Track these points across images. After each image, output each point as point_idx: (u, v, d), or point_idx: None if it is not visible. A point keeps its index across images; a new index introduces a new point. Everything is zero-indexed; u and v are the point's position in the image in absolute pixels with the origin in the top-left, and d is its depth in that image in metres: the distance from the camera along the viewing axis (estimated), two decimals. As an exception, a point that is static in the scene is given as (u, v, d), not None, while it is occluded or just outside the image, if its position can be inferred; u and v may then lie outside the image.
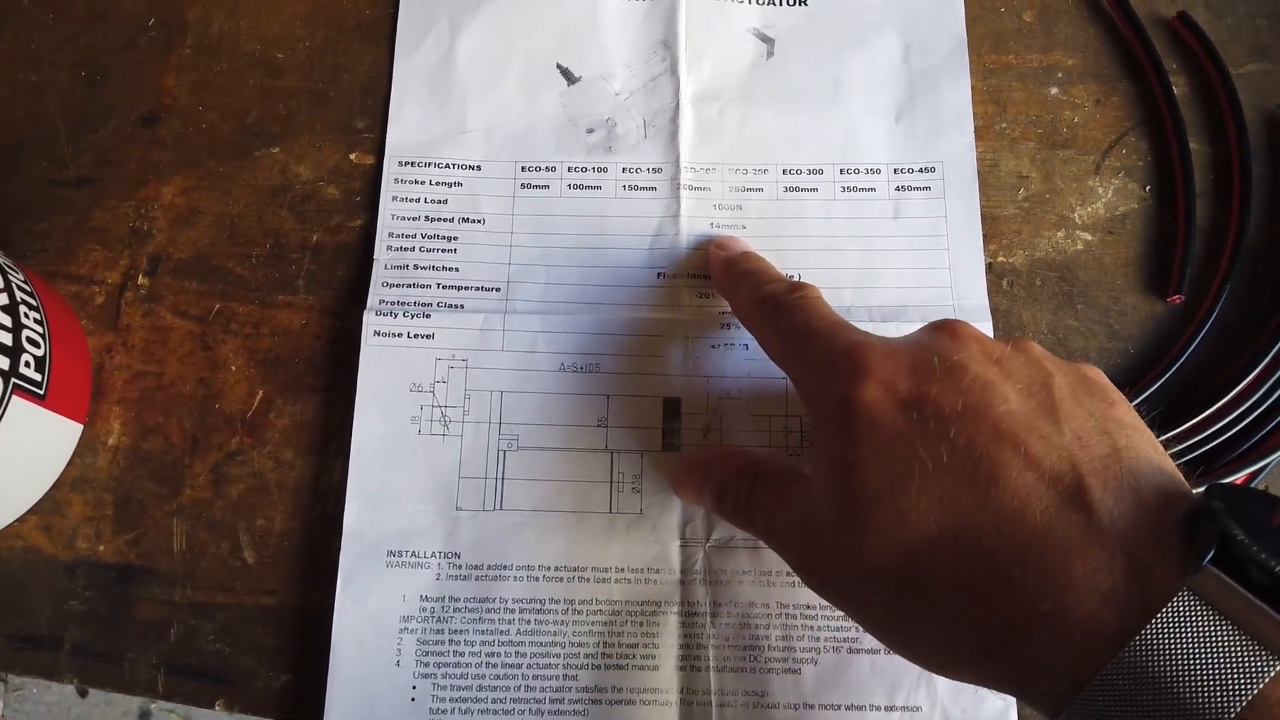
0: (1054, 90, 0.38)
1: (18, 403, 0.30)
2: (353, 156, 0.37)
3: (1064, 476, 0.21)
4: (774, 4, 0.38)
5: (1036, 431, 0.22)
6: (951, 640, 0.23)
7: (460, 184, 0.36)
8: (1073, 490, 0.21)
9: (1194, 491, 0.22)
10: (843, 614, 0.31)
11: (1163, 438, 0.33)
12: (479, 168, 0.36)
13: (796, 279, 0.32)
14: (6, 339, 0.29)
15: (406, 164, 0.36)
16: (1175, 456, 0.33)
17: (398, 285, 0.35)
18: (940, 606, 0.22)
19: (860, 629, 0.31)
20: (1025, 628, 0.21)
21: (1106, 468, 0.22)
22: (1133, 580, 0.20)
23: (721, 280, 0.33)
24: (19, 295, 0.31)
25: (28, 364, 0.31)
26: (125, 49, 0.38)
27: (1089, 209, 0.36)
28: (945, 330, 0.26)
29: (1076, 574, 0.20)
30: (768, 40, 0.38)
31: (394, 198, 0.36)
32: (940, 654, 0.24)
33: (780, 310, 0.29)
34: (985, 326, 0.34)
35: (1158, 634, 0.19)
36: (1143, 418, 0.24)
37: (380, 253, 0.35)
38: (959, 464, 0.22)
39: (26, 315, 0.31)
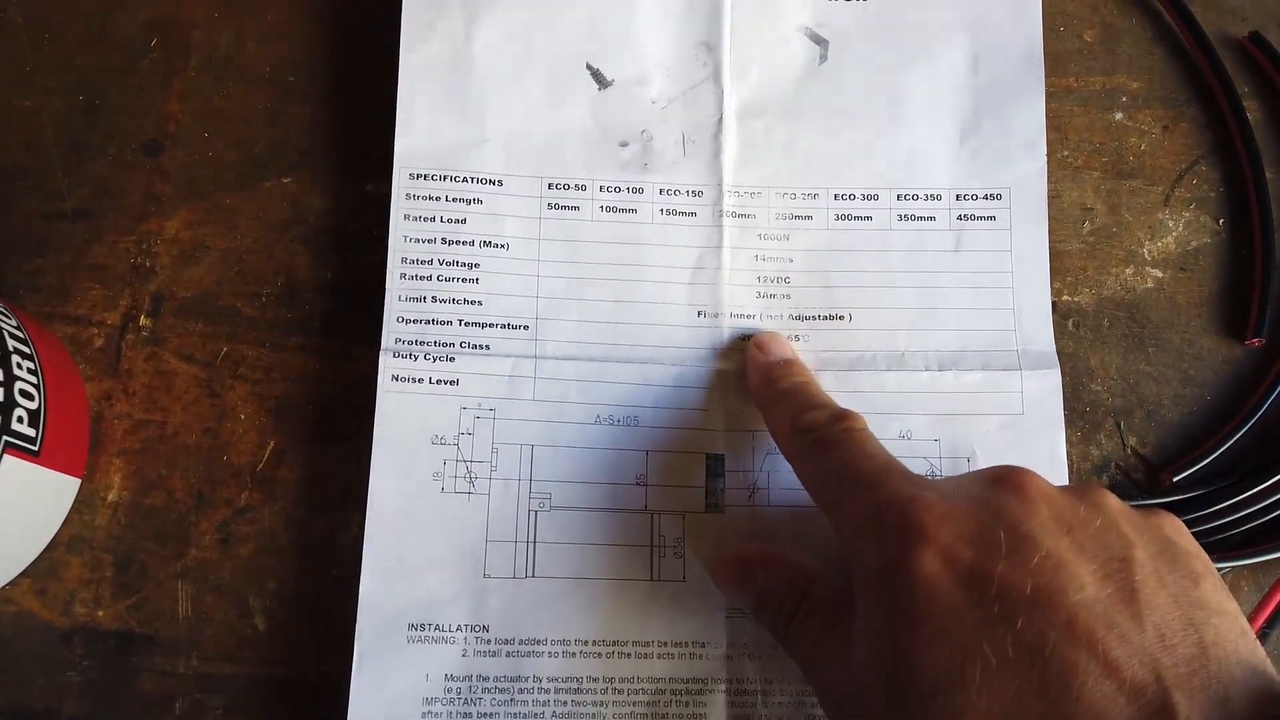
0: (1118, 115, 0.35)
1: (10, 461, 0.27)
2: (369, 187, 0.34)
3: (1146, 689, 0.19)
4: None
5: (1116, 630, 0.20)
6: None
7: (480, 201, 0.33)
8: (1157, 707, 0.19)
9: None
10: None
11: (1242, 496, 0.31)
12: (500, 183, 0.33)
13: (842, 408, 0.28)
14: (-3, 395, 0.27)
15: (419, 177, 0.33)
16: (1258, 516, 0.31)
17: (415, 320, 0.32)
18: None
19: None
20: None
21: (1193, 673, 0.19)
22: None
23: (759, 392, 0.31)
24: (10, 344, 0.28)
25: (20, 419, 0.28)
26: (125, 72, 0.35)
27: (1159, 244, 0.34)
28: (1011, 487, 0.23)
29: None
30: (821, 41, 0.35)
31: (406, 216, 0.32)
32: None
33: (822, 446, 0.27)
34: (1054, 374, 0.31)
35: None
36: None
37: (393, 281, 0.32)
38: (1026, 662, 0.20)
39: (19, 366, 0.28)
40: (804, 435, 0.27)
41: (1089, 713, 0.19)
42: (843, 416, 0.27)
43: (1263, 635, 0.30)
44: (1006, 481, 0.23)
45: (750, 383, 0.31)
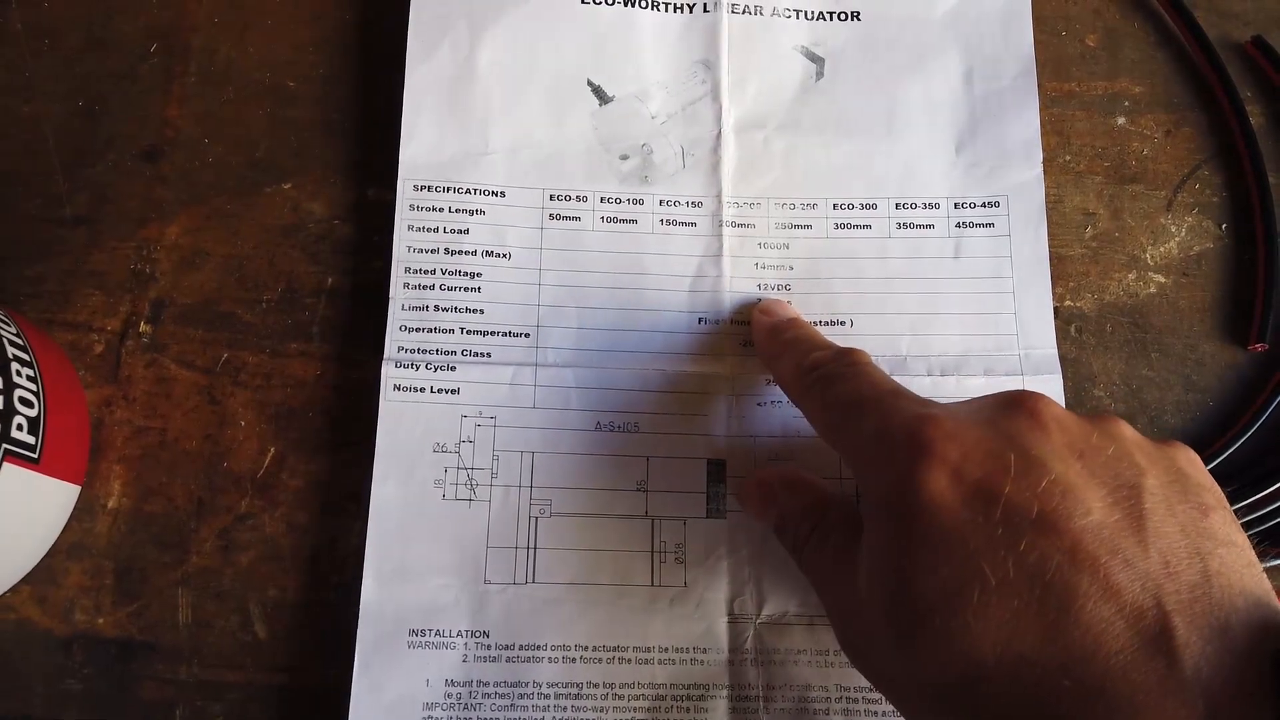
0: (1121, 120, 0.35)
1: (9, 469, 0.27)
2: (370, 193, 0.34)
3: (1146, 613, 0.19)
4: (824, 18, 0.35)
5: (1120, 555, 0.20)
6: None
7: (482, 211, 0.33)
8: (1155, 632, 0.19)
9: None
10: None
11: (1245, 502, 0.31)
12: (503, 194, 0.34)
13: (847, 345, 0.28)
14: (-4, 403, 0.27)
15: (423, 188, 0.33)
16: (1260, 522, 0.31)
17: (417, 330, 0.32)
18: None
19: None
20: None
21: (1195, 600, 0.19)
22: None
23: (765, 348, 0.31)
24: (10, 351, 0.28)
25: (20, 426, 0.28)
26: (125, 78, 0.35)
27: (1161, 249, 0.34)
28: (1024, 410, 0.22)
29: None
30: (817, 59, 0.35)
31: (409, 226, 0.33)
32: None
33: (829, 379, 0.27)
34: (1055, 379, 0.31)
35: None
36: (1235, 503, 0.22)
37: (396, 291, 0.32)
38: (1026, 584, 0.20)
39: (19, 373, 0.28)
40: (811, 373, 0.27)
41: (1086, 635, 0.19)
42: (847, 351, 0.27)
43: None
44: (1020, 405, 0.23)
45: (756, 341, 0.31)
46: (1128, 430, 0.22)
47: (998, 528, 0.20)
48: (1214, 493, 0.22)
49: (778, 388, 0.32)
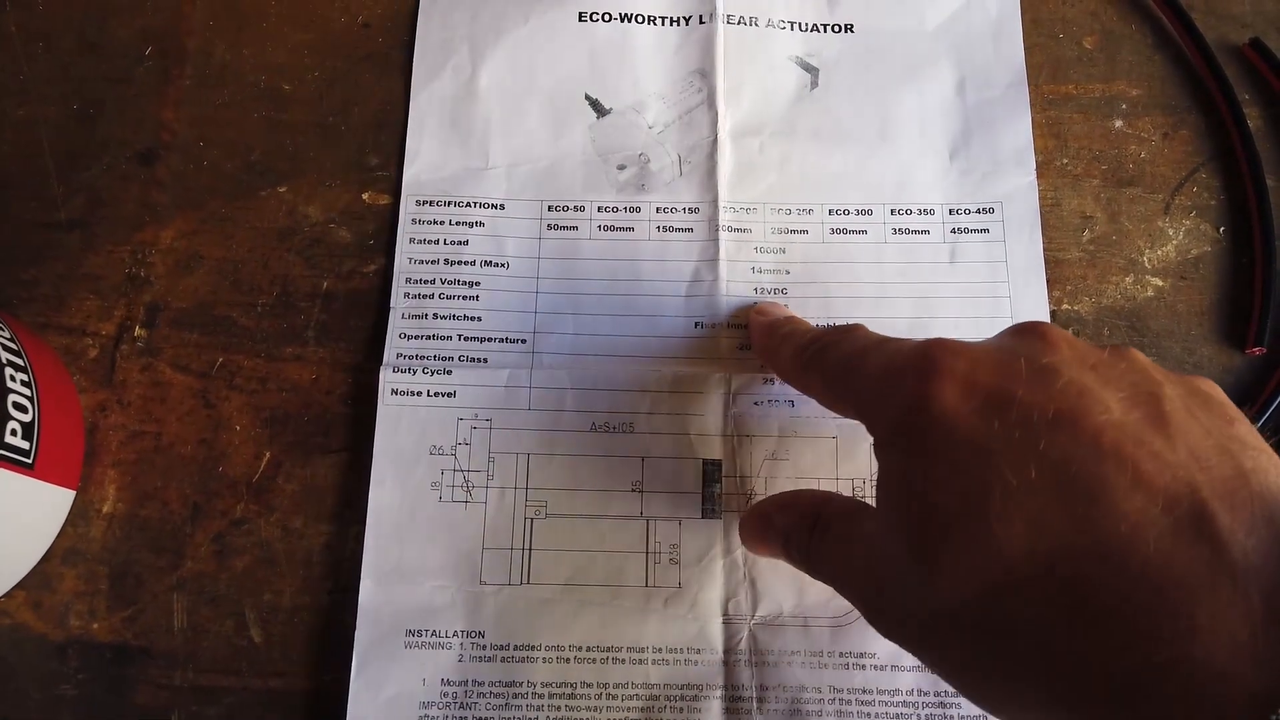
0: (1118, 123, 0.35)
1: (4, 475, 0.27)
2: (365, 196, 0.34)
3: (1181, 500, 0.18)
4: (818, 30, 0.36)
5: (1145, 446, 0.18)
6: (1046, 696, 0.19)
7: (482, 224, 0.34)
8: (1194, 517, 0.17)
9: None
10: (903, 699, 0.29)
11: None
12: (502, 206, 0.34)
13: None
14: (-10, 407, 0.27)
15: (424, 203, 0.34)
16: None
17: (416, 337, 0.32)
18: (1031, 655, 0.19)
19: (921, 715, 0.29)
20: (1138, 683, 0.17)
21: (1233, 492, 0.18)
22: (1276, 632, 0.16)
23: (763, 346, 0.31)
24: (4, 356, 0.28)
25: (14, 432, 0.28)
26: (120, 81, 0.35)
27: (1159, 252, 0.34)
28: (1033, 332, 0.22)
29: (1202, 619, 0.17)
30: (811, 70, 0.35)
31: (411, 239, 0.33)
32: (1031, 710, 0.20)
33: (825, 348, 0.26)
34: (1052, 383, 0.31)
35: None
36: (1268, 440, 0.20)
37: (397, 300, 0.33)
38: (1051, 482, 0.18)
39: (13, 378, 0.28)
40: (808, 349, 0.27)
41: (1121, 523, 0.18)
42: (842, 325, 0.27)
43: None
44: (1029, 330, 0.22)
45: (754, 340, 0.31)
46: (1141, 355, 0.21)
47: (1014, 430, 0.19)
48: (1236, 410, 0.21)
49: (774, 388, 0.32)
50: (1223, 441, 0.19)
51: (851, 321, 0.32)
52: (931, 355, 0.21)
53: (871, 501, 0.29)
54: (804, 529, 0.26)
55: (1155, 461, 0.18)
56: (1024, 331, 0.22)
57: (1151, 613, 0.17)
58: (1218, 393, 0.21)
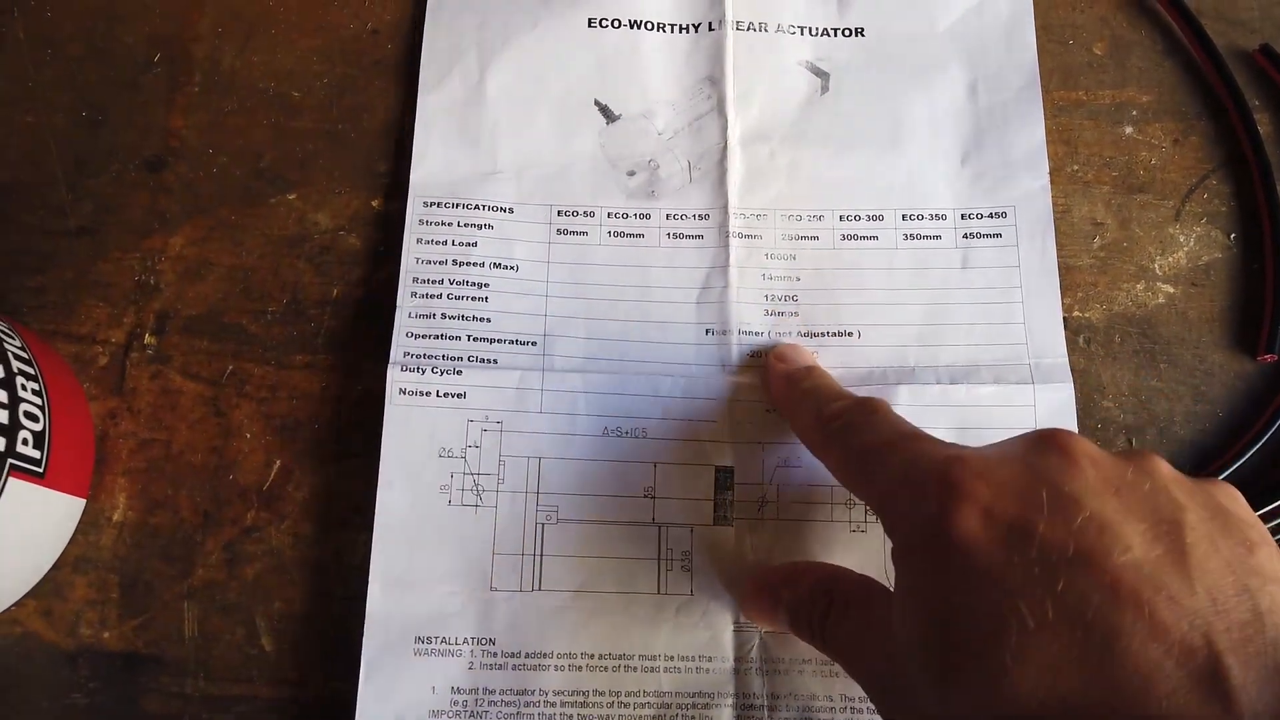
0: (1128, 129, 0.35)
1: (15, 484, 0.27)
2: (375, 203, 0.34)
3: (1197, 652, 0.18)
4: (828, 35, 0.36)
5: (1164, 591, 0.19)
6: None
7: (491, 226, 0.33)
8: (1208, 671, 0.18)
9: None
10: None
11: (1257, 514, 0.30)
12: (511, 210, 0.34)
13: (866, 395, 0.28)
14: (2, 416, 0.27)
15: (432, 204, 0.34)
16: (1272, 534, 0.31)
17: (424, 336, 0.32)
18: None
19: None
20: None
21: (1248, 640, 0.18)
22: None
23: (781, 398, 0.30)
24: (15, 365, 0.28)
25: (25, 441, 0.28)
26: (128, 88, 0.35)
27: (1170, 259, 0.34)
28: (1055, 447, 0.22)
29: None
30: (822, 74, 0.35)
31: (419, 240, 0.33)
32: None
33: (850, 429, 0.26)
34: (1067, 388, 0.31)
35: None
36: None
37: (404, 300, 0.32)
38: (1066, 625, 0.19)
39: (24, 388, 0.28)
40: (832, 422, 0.27)
41: (1134, 676, 0.18)
42: (868, 401, 0.27)
43: None
44: (1050, 442, 0.22)
45: (773, 390, 0.31)
46: (1165, 466, 0.22)
47: (1034, 567, 0.19)
48: (1258, 529, 0.21)
49: (785, 398, 0.32)
50: (1242, 577, 0.19)
51: (864, 332, 0.32)
52: (953, 476, 0.21)
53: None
54: (817, 608, 0.26)
55: (1172, 608, 0.18)
56: (1046, 445, 0.22)
57: None
58: (1239, 508, 0.21)
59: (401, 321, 0.32)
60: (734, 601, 0.30)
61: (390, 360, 0.32)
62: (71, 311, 0.33)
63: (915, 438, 0.24)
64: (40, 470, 0.28)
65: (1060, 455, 0.21)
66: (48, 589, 0.31)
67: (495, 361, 0.32)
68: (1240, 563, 0.19)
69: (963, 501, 0.21)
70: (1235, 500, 0.21)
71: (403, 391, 0.31)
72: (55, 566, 0.31)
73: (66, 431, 0.30)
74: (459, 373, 0.32)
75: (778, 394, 0.31)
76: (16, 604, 0.30)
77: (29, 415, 0.28)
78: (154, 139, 0.35)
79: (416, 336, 0.32)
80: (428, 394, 0.31)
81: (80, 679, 0.30)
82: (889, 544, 0.24)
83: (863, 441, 0.25)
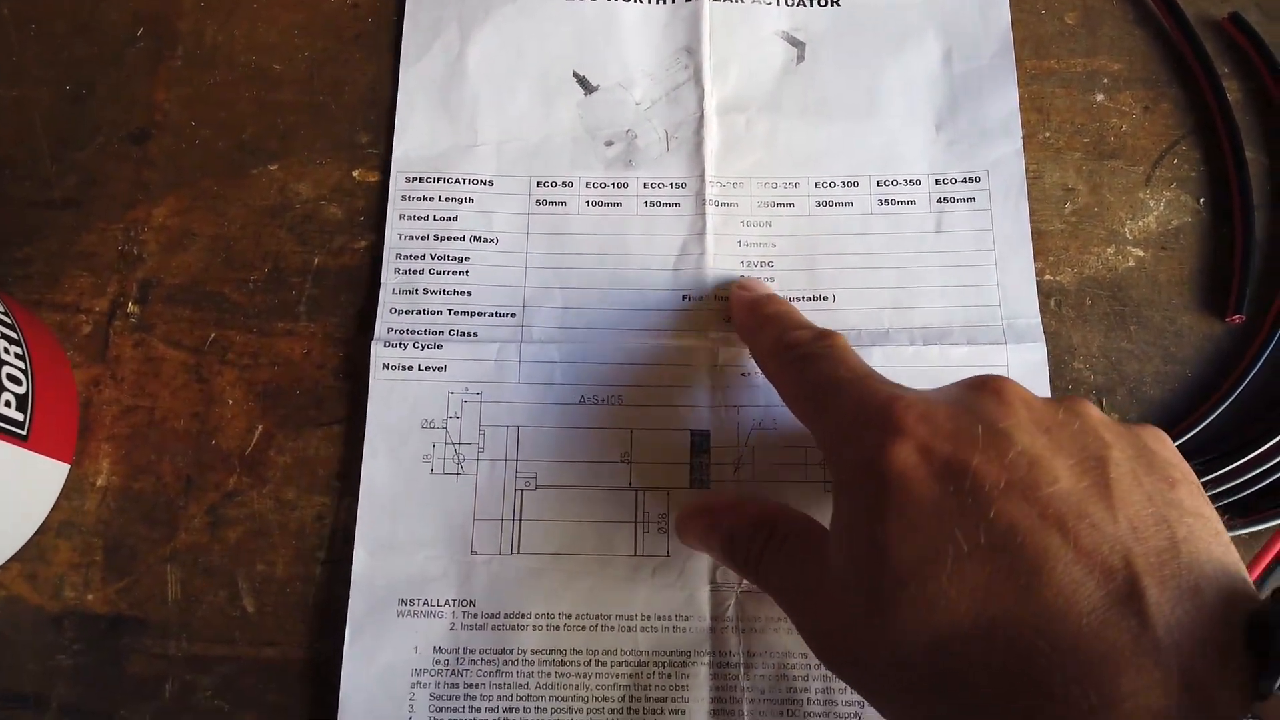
0: (1100, 97, 0.35)
1: (-2, 445, 0.28)
2: (356, 173, 0.34)
3: (1116, 573, 0.19)
4: (804, 5, 0.36)
5: (1088, 518, 0.20)
6: None
7: (471, 200, 0.34)
8: (1125, 591, 0.19)
9: (1262, 597, 0.20)
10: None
11: (1223, 470, 0.31)
12: (491, 183, 0.34)
13: (825, 327, 0.28)
14: (-16, 378, 0.27)
15: (414, 179, 0.34)
16: (1237, 490, 0.31)
17: (407, 312, 0.33)
18: (968, 710, 0.20)
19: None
20: None
21: (1164, 564, 0.19)
22: (1190, 702, 0.18)
23: (744, 323, 0.31)
24: (-2, 329, 0.29)
25: (8, 403, 0.28)
26: (112, 62, 0.35)
27: (1140, 223, 0.34)
28: (989, 390, 0.23)
29: (1124, 690, 0.18)
30: (798, 44, 0.36)
31: (401, 216, 0.34)
32: None
33: (806, 360, 0.27)
34: (1039, 348, 0.32)
35: None
36: (1204, 478, 0.22)
37: (387, 275, 0.33)
38: (998, 549, 0.20)
39: (7, 350, 0.29)
40: (788, 351, 0.28)
41: (1058, 595, 0.19)
42: (825, 333, 0.27)
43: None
44: (985, 386, 0.23)
45: (735, 317, 0.32)
46: (1094, 410, 0.23)
47: (968, 497, 0.21)
48: (1181, 468, 0.22)
49: (761, 361, 0.32)
50: (1162, 508, 0.20)
51: (839, 296, 0.33)
52: (896, 415, 0.22)
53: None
54: (755, 538, 0.26)
55: (1095, 533, 0.20)
56: (982, 388, 0.23)
57: (1079, 683, 0.18)
58: (1165, 449, 0.22)
59: (385, 298, 0.33)
60: (711, 562, 0.30)
61: (374, 336, 0.32)
62: (56, 281, 0.33)
63: (866, 377, 0.25)
64: (23, 433, 0.29)
65: (995, 397, 0.23)
66: (32, 553, 0.31)
67: (475, 335, 0.32)
68: (1160, 496, 0.21)
69: (901, 438, 0.22)
70: (1161, 441, 0.23)
71: (386, 366, 0.32)
72: (40, 531, 0.31)
73: (50, 396, 0.30)
74: (439, 346, 0.32)
75: (740, 320, 0.31)
76: (1, 567, 0.31)
77: (12, 379, 0.29)
78: (138, 112, 0.35)
79: (399, 312, 0.33)
80: (410, 368, 0.32)
81: (65, 641, 0.30)
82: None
83: (815, 375, 0.26)
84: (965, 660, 0.20)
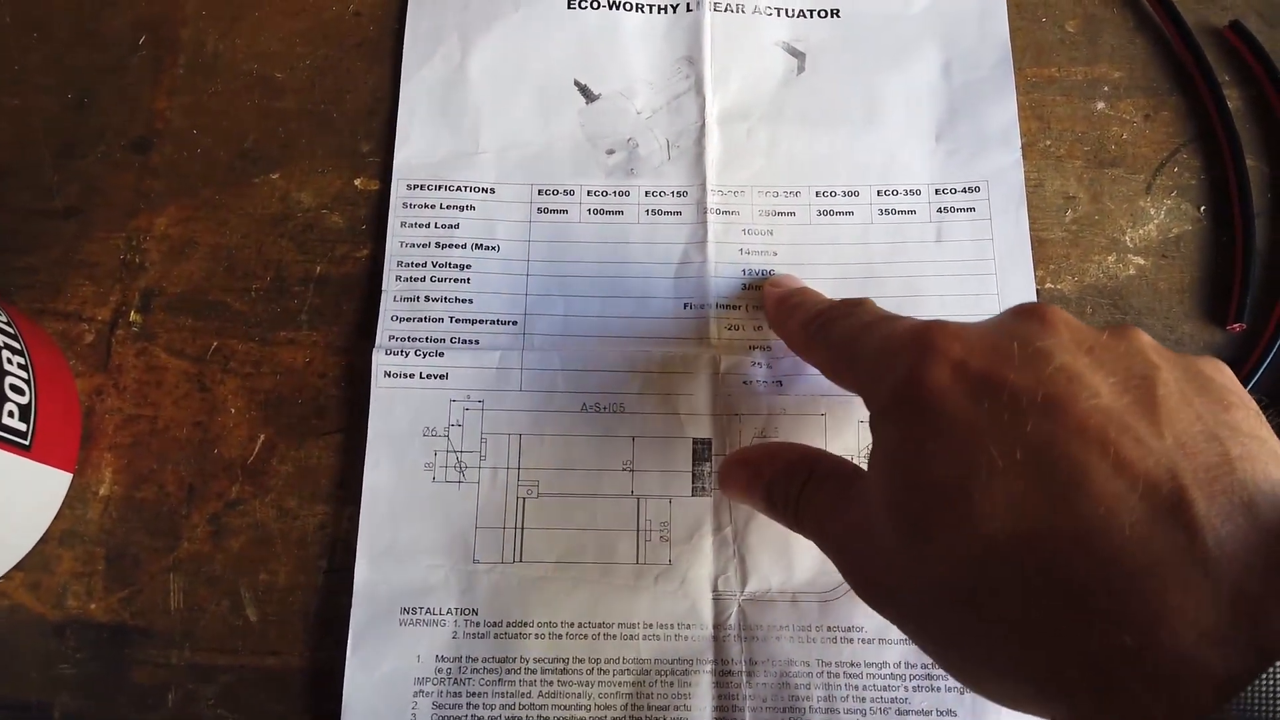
0: (1100, 105, 0.35)
1: (1, 456, 0.28)
2: (357, 182, 0.35)
3: (1161, 486, 0.18)
4: (805, 16, 0.36)
5: (1130, 432, 0.19)
6: (1019, 671, 0.19)
7: (473, 208, 0.34)
8: (1171, 504, 0.18)
9: None
10: (890, 671, 0.29)
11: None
12: (492, 190, 0.34)
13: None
14: (-13, 388, 0.27)
15: (415, 187, 0.34)
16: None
17: (408, 319, 0.33)
18: (1007, 632, 0.19)
19: (908, 687, 0.29)
20: (1107, 665, 0.18)
21: (1214, 479, 0.18)
22: (1242, 617, 0.17)
23: (774, 316, 0.31)
24: (1, 340, 0.29)
25: (11, 413, 0.28)
26: (114, 70, 0.35)
27: (1140, 231, 0.34)
28: (1032, 314, 0.22)
29: (1171, 604, 0.17)
30: (798, 54, 0.36)
31: (402, 223, 0.34)
32: (1006, 685, 0.20)
33: (832, 320, 0.27)
34: (1036, 360, 0.32)
35: (1273, 687, 0.16)
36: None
37: (389, 283, 0.33)
38: (1034, 463, 0.19)
39: (10, 360, 0.29)
40: (814, 321, 0.28)
41: (1098, 507, 0.18)
42: (851, 299, 0.28)
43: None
44: (1027, 311, 0.22)
45: (767, 312, 0.32)
46: (1145, 336, 0.21)
47: (1003, 413, 0.20)
48: (1239, 394, 0.20)
49: (762, 369, 0.32)
50: (1213, 427, 0.19)
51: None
52: (928, 336, 0.22)
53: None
54: (795, 480, 0.26)
55: (1138, 447, 0.18)
56: (1023, 313, 0.22)
57: (1123, 597, 0.17)
58: (1221, 375, 0.21)
59: (386, 305, 0.33)
60: (713, 570, 0.30)
61: (375, 344, 0.32)
62: (58, 290, 0.33)
63: (895, 317, 0.25)
64: (26, 443, 0.29)
65: (1038, 319, 0.22)
66: (35, 562, 0.31)
67: (477, 342, 0.32)
68: (1213, 416, 0.19)
69: (935, 357, 0.21)
70: (1218, 368, 0.21)
71: (387, 374, 0.32)
72: (42, 540, 0.31)
73: (52, 406, 0.30)
74: (441, 354, 0.32)
75: (770, 314, 0.32)
76: (4, 577, 0.31)
77: (14, 388, 0.29)
78: (139, 121, 0.35)
79: (401, 320, 0.33)
80: (411, 376, 0.32)
81: (68, 650, 0.30)
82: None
83: (844, 328, 0.26)
84: (1004, 576, 0.19)
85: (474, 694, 0.29)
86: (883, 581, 0.22)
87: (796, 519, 0.26)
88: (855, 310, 0.27)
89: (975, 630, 0.20)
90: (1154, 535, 0.18)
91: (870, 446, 0.23)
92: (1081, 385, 0.20)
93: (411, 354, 0.32)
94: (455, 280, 0.33)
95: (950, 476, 0.20)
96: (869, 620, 0.30)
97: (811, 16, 0.36)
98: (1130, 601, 0.17)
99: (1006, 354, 0.21)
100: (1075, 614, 0.18)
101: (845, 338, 0.26)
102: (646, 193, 0.34)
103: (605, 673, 0.30)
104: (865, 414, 0.24)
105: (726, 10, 0.36)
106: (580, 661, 0.30)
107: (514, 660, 0.30)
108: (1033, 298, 0.33)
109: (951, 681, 0.29)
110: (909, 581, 0.21)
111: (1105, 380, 0.20)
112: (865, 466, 0.24)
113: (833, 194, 0.34)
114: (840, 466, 0.26)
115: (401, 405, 0.32)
